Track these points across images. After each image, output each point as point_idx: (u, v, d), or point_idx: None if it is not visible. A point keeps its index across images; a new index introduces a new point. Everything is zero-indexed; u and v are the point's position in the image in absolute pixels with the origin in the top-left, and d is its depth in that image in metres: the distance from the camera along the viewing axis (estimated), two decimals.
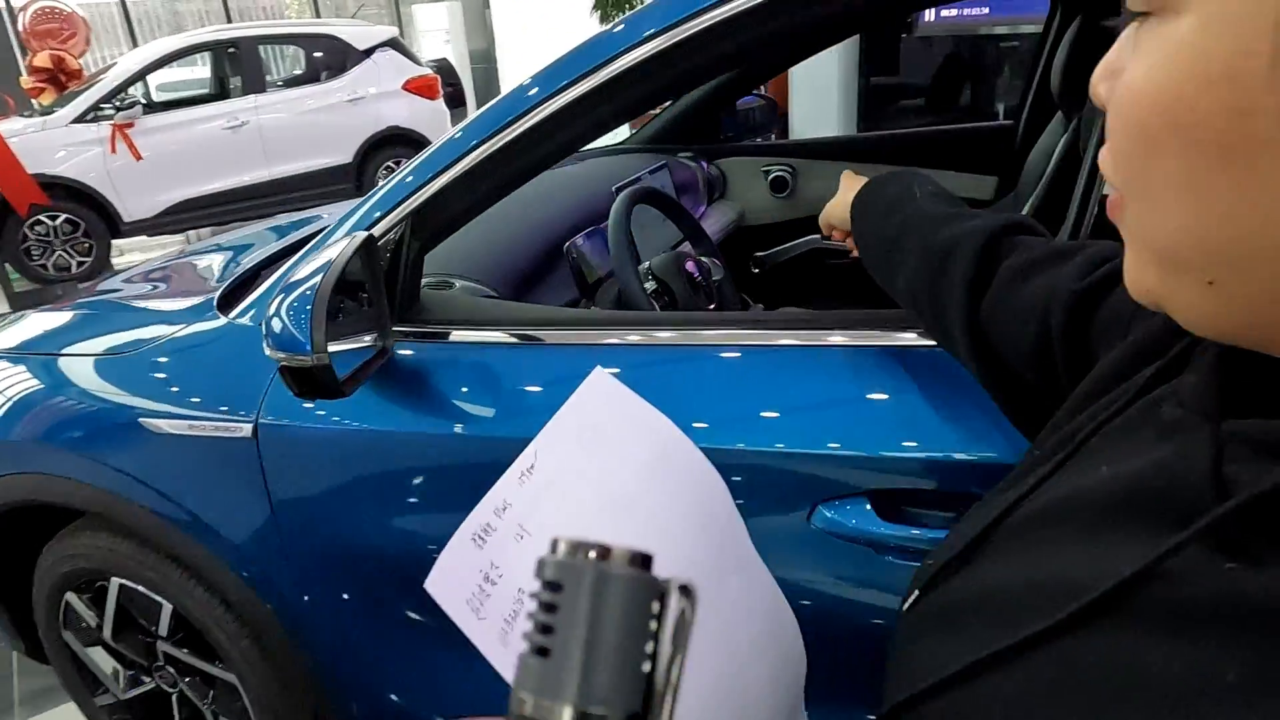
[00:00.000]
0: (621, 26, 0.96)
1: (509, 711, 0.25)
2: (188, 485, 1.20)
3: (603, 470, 0.51)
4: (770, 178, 2.22)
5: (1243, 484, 0.29)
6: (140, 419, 1.19)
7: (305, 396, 0.91)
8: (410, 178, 1.06)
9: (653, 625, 0.25)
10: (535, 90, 0.97)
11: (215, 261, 1.73)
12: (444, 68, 7.88)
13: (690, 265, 1.33)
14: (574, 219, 1.64)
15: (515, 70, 10.47)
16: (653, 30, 0.92)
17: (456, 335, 1.08)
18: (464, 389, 1.04)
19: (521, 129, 0.97)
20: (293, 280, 0.93)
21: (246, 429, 1.11)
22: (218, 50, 6.26)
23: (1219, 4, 0.27)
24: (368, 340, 1.08)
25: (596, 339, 1.01)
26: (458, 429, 1.01)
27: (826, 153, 2.24)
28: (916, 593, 0.46)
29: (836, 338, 0.93)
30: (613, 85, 0.93)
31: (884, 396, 0.86)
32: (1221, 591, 0.28)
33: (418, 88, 6.59)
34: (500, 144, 0.99)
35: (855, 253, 0.97)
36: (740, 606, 0.51)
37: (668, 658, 0.25)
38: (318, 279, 0.89)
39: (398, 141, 6.57)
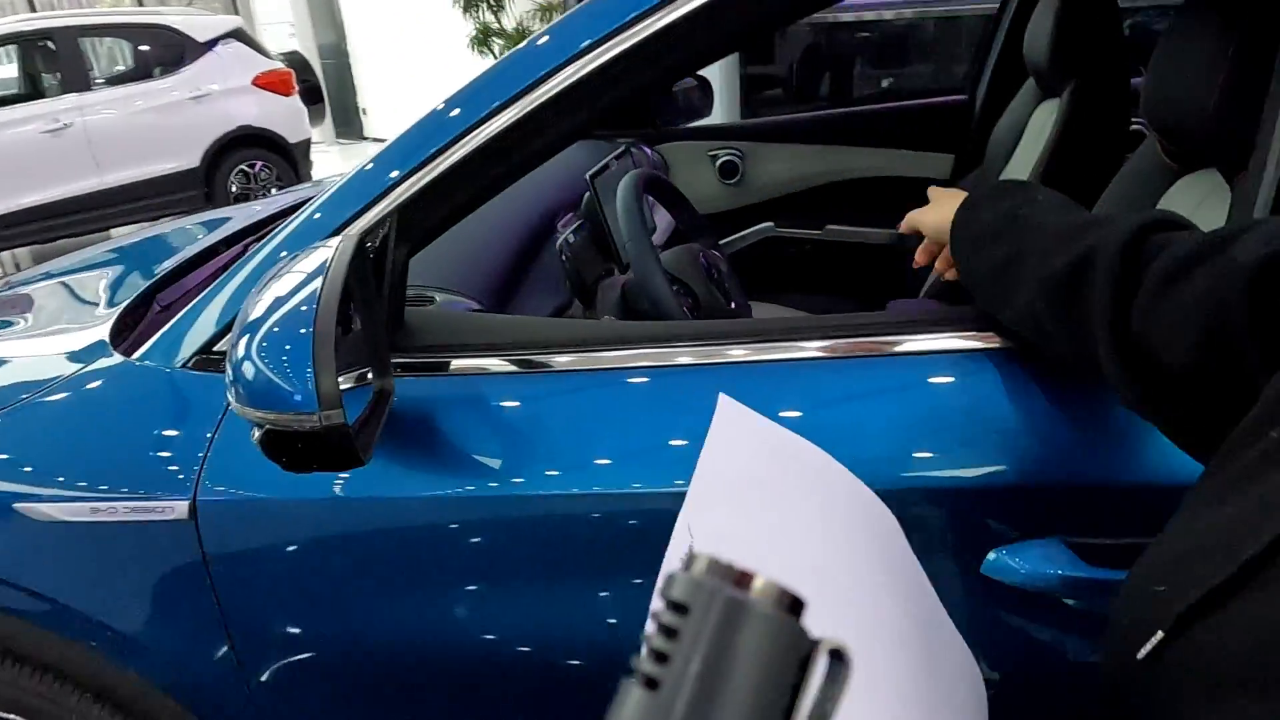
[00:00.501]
0: None
1: None
2: (88, 587, 0.89)
3: (773, 532, 0.41)
4: (719, 163, 2.06)
5: None
6: (15, 504, 0.87)
7: (299, 469, 0.65)
8: (392, 163, 0.81)
9: (789, 687, 0.21)
10: (568, 47, 0.75)
11: (60, 292, 1.38)
12: (297, 61, 7.24)
13: (704, 261, 1.14)
14: (540, 212, 1.40)
15: (370, 65, 9.84)
16: None
17: (459, 364, 0.84)
18: (487, 435, 0.80)
19: (558, 88, 0.75)
20: (256, 315, 0.66)
21: (181, 507, 0.82)
22: (27, 43, 5.45)
23: None
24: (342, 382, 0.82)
25: (659, 359, 0.80)
26: (493, 487, 0.77)
27: (776, 134, 2.10)
28: (1160, 635, 0.37)
29: (954, 341, 0.76)
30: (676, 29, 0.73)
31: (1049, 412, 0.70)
32: None
33: (270, 83, 6.01)
34: (528, 110, 0.77)
35: (949, 274, 0.82)
36: (936, 675, 0.42)
37: None
38: (305, 296, 0.63)
39: (251, 142, 5.96)
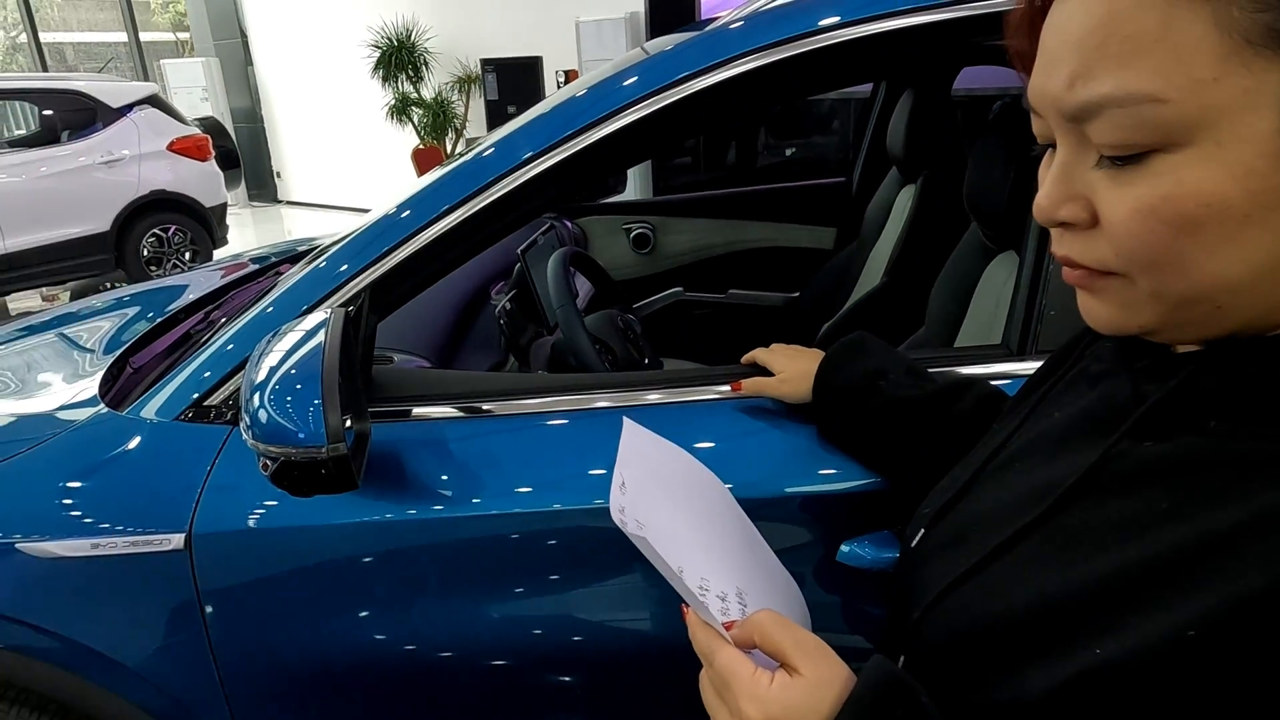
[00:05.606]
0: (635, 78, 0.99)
1: None
2: (84, 618, 1.01)
3: (663, 483, 0.65)
4: (632, 235, 2.30)
5: (1151, 394, 0.45)
6: (19, 545, 0.99)
7: (301, 494, 0.81)
8: (367, 245, 0.99)
9: None
10: (518, 148, 0.96)
11: (44, 350, 1.48)
12: (214, 127, 7.26)
13: (620, 323, 1.34)
14: (476, 281, 1.59)
15: (284, 130, 9.90)
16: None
17: (419, 412, 1.02)
18: (444, 467, 0.97)
19: (502, 192, 0.95)
20: (263, 375, 0.83)
21: (177, 540, 0.96)
22: None
23: (1223, 133, 0.37)
24: None
25: (585, 403, 0.99)
26: (448, 510, 0.94)
27: (681, 210, 2.35)
28: (922, 531, 0.58)
29: None
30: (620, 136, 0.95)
31: None
32: (1147, 459, 0.43)
33: (186, 148, 6.04)
34: (478, 208, 0.97)
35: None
36: (755, 565, 0.64)
37: None
38: (310, 352, 0.81)
39: (164, 207, 5.95)
